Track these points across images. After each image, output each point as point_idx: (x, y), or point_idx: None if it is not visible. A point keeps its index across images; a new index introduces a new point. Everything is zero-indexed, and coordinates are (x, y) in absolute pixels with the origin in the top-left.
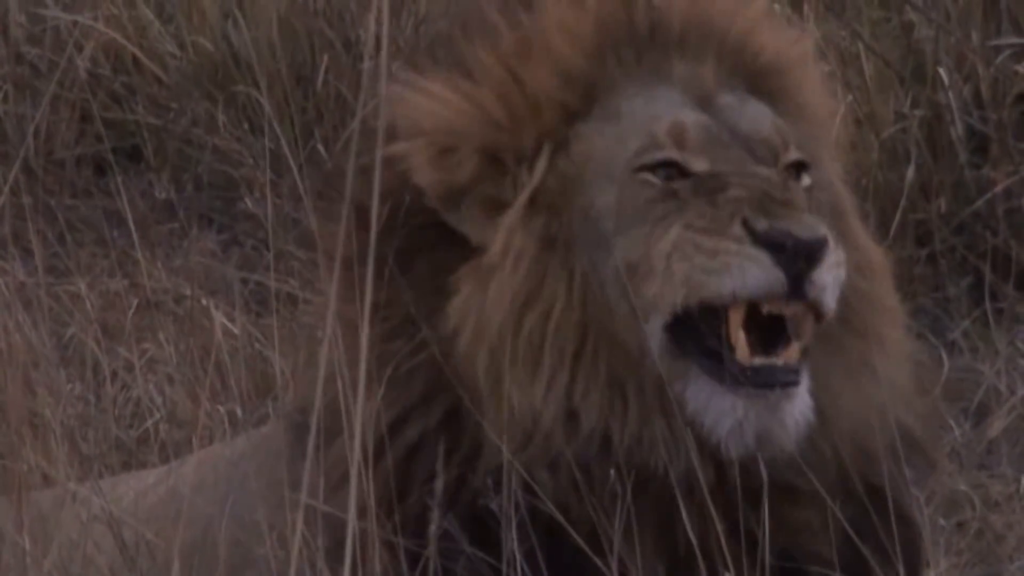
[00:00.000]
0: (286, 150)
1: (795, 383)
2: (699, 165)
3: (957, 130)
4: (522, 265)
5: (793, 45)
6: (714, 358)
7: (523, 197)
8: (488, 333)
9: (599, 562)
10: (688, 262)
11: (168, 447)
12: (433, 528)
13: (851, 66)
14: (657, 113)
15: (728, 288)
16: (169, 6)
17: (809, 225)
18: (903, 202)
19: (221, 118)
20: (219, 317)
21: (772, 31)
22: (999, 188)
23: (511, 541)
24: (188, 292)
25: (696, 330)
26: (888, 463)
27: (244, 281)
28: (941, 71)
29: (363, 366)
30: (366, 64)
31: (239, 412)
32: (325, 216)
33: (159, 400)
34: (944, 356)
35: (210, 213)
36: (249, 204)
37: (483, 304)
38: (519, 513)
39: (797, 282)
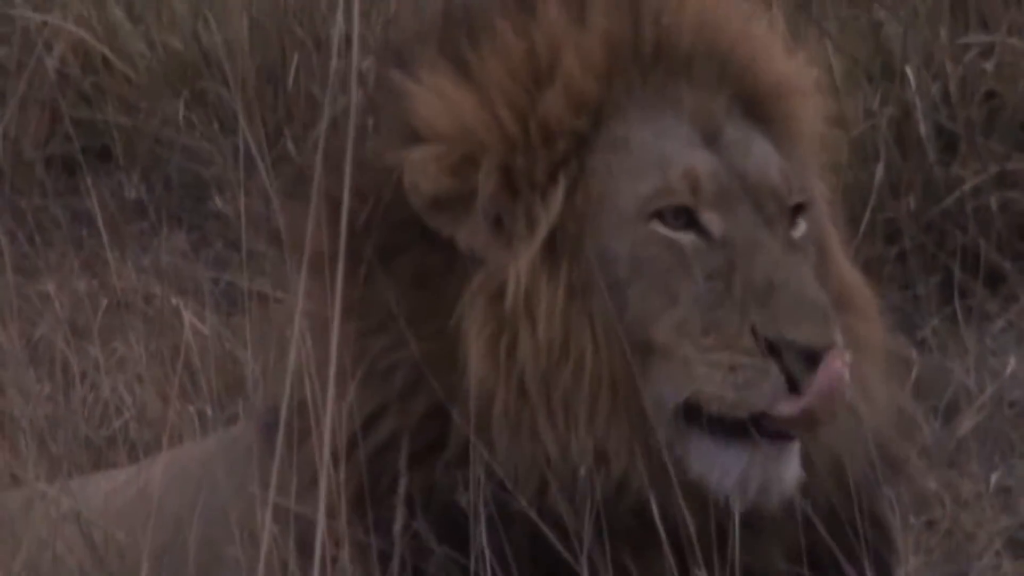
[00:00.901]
0: (256, 149)
1: (792, 437)
2: (712, 224)
3: (926, 128)
4: (554, 318)
5: (795, 72)
6: (715, 423)
7: (541, 233)
8: (521, 382)
9: (572, 561)
10: (699, 371)
11: (138, 447)
12: (398, 526)
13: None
14: (668, 151)
15: (741, 404)
16: (139, 6)
17: (818, 332)
18: (872, 200)
19: (191, 117)
20: (189, 317)
21: (775, 56)
22: (968, 186)
23: (480, 537)
24: (158, 292)
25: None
26: (860, 468)
27: (214, 281)
28: (909, 69)
29: (333, 363)
30: (334, 63)
31: (209, 412)
32: (296, 213)
33: (128, 400)
34: (914, 354)
35: (180, 213)
36: (219, 203)
37: (512, 354)
38: (488, 511)
39: (794, 382)
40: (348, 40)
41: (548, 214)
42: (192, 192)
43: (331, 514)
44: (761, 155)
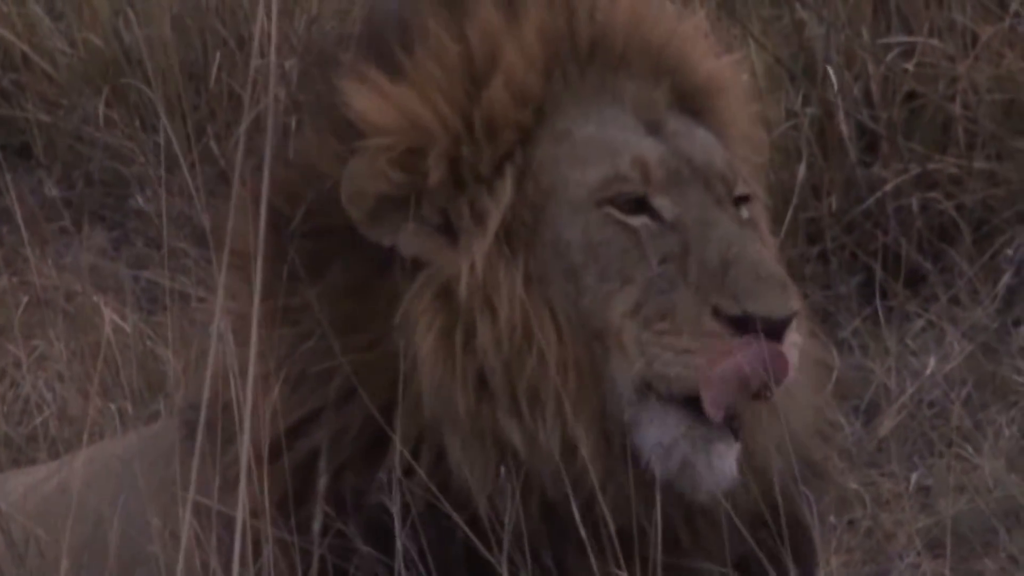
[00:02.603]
0: (177, 147)
1: (733, 435)
2: (664, 209)
3: (847, 128)
4: (515, 306)
5: (725, 67)
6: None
7: (493, 225)
8: (480, 376)
9: (496, 563)
10: (659, 360)
11: (58, 444)
12: (317, 526)
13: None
14: (615, 141)
15: (690, 381)
16: (59, 3)
17: (780, 302)
18: (794, 200)
19: (112, 115)
20: (109, 314)
21: (705, 51)
22: (889, 186)
23: (401, 540)
24: (79, 289)
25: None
26: (783, 470)
27: (135, 278)
28: (830, 69)
29: (252, 365)
30: (254, 62)
31: (130, 409)
32: (222, 212)
33: (49, 397)
34: (835, 354)
35: (101, 210)
36: (140, 201)
37: (469, 347)
38: (417, 516)
39: None
40: (271, 39)
41: (498, 206)
42: (113, 190)
43: (254, 514)
44: (705, 142)
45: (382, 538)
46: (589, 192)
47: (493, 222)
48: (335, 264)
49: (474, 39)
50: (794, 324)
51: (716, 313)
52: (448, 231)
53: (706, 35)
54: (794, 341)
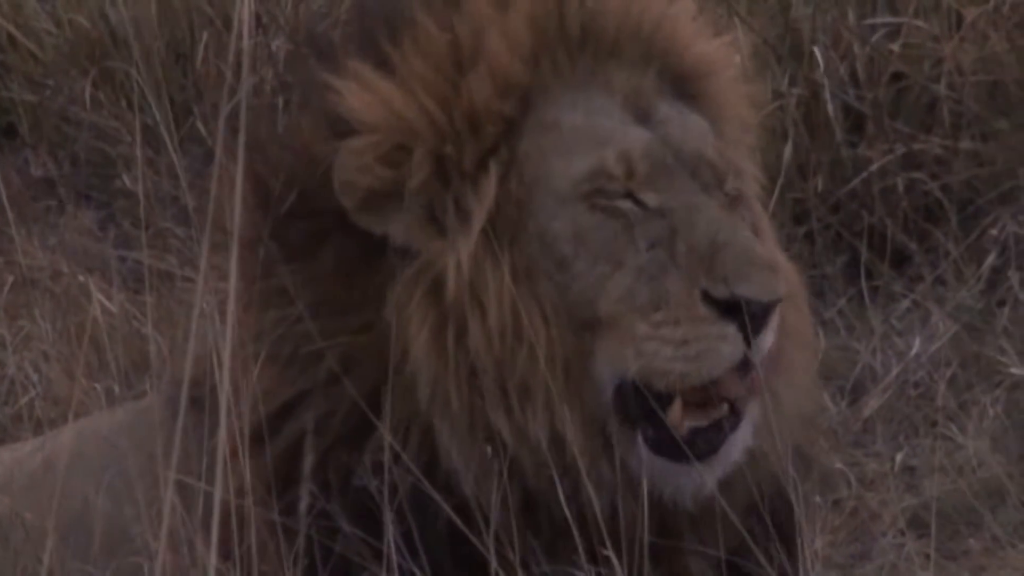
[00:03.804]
0: (163, 128)
1: (735, 427)
2: (648, 199)
3: (833, 109)
4: (504, 303)
5: (715, 49)
6: (652, 422)
7: (477, 223)
8: (472, 372)
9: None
10: (649, 347)
11: (43, 424)
12: (303, 506)
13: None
14: (601, 131)
15: (694, 375)
16: None
17: (768, 286)
18: (780, 180)
19: (98, 95)
20: (96, 294)
21: (696, 33)
22: (875, 167)
23: (389, 522)
24: (65, 269)
25: (637, 392)
26: (775, 453)
27: (121, 259)
28: (817, 50)
29: (228, 344)
30: (244, 43)
31: (116, 389)
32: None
33: (35, 377)
34: (820, 334)
35: (87, 191)
36: (126, 181)
37: (461, 344)
38: (404, 497)
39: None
40: (258, 19)
41: (481, 204)
42: (99, 170)
43: (241, 494)
44: (696, 129)
45: (368, 519)
46: (573, 184)
47: (477, 220)
48: (328, 245)
49: (462, 30)
50: (777, 309)
51: (706, 297)
52: (437, 221)
53: (696, 17)
54: (774, 326)
